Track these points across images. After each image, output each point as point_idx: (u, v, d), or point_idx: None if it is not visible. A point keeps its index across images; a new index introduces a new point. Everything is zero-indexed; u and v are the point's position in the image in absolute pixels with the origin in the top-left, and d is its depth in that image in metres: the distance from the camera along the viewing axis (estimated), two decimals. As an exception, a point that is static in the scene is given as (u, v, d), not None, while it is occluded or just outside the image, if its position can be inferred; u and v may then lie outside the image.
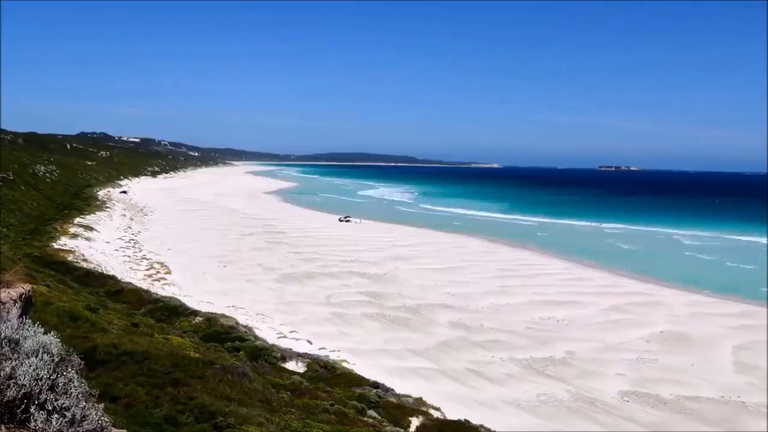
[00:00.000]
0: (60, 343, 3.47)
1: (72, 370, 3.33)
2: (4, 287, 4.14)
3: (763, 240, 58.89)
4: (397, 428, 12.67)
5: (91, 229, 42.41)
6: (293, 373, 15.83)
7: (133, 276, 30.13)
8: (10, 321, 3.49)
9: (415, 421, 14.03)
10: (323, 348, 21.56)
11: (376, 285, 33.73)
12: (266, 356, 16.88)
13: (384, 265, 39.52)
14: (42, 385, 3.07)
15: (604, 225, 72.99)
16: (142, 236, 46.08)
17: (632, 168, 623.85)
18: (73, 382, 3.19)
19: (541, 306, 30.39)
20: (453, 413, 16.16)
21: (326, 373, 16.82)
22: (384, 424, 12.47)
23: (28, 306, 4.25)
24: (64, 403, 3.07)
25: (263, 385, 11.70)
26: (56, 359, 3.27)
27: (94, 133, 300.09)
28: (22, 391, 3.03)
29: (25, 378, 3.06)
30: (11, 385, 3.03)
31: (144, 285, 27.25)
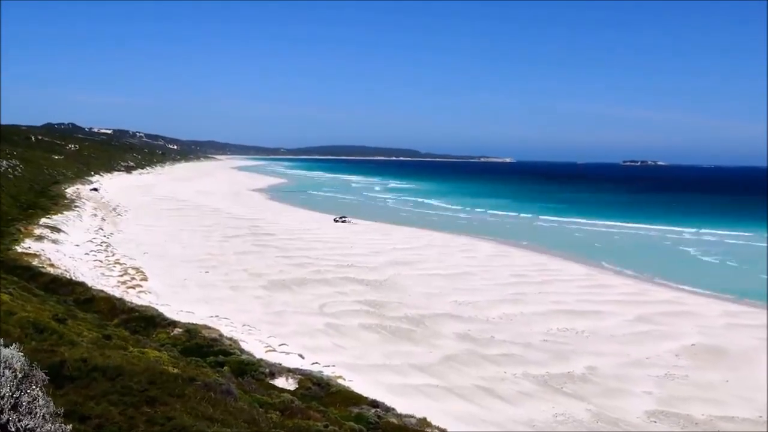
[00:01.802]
0: (24, 358, 3.46)
1: (37, 387, 3.32)
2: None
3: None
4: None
5: (58, 230, 42.40)
6: (283, 390, 15.83)
7: (105, 283, 30.13)
8: (-32, 333, 3.47)
9: (418, 444, 14.02)
10: (316, 363, 21.58)
11: (375, 293, 33.75)
12: (253, 372, 16.88)
13: (384, 271, 39.54)
14: (4, 404, 3.06)
15: (629, 226, 73.07)
16: (115, 238, 46.10)
17: (659, 163, 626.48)
18: (38, 401, 3.18)
19: (558, 316, 30.40)
20: (461, 435, 16.16)
21: (320, 391, 16.82)
22: (384, 447, 12.45)
23: (-12, 316, 4.24)
24: (28, 424, 3.06)
25: (249, 404, 11.70)
26: (20, 375, 3.26)
27: (62, 124, 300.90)
28: (-18, 410, 3.02)
29: (-16, 396, 3.04)
30: (-31, 404, 3.02)
31: (117, 293, 27.26)
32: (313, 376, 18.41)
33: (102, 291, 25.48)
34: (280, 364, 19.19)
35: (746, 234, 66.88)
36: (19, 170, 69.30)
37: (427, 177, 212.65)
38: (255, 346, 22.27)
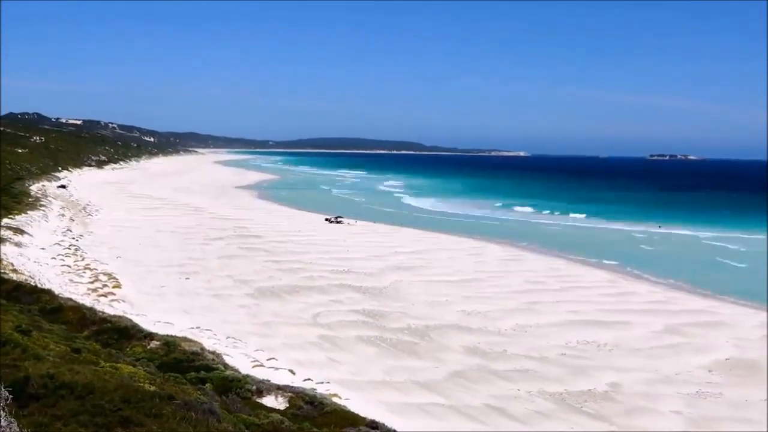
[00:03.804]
0: (-17, 374, 3.46)
1: (-2, 407, 3.32)
2: None
3: None
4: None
5: (22, 232, 42.43)
6: (272, 410, 15.83)
7: (74, 290, 30.15)
8: None
9: (422, 470, 14.04)
10: (309, 379, 21.59)
11: (375, 301, 33.78)
12: (238, 389, 16.88)
13: (384, 277, 39.58)
14: (-39, 426, 3.06)
15: (656, 227, 73.13)
16: (85, 241, 46.13)
17: (690, 157, 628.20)
18: (0, 421, 3.18)
19: (578, 327, 30.42)
20: (469, 460, 16.17)
21: (312, 411, 16.83)
22: (384, 473, 12.47)
23: (-57, 328, 4.25)
24: (-13, 448, 3.06)
25: (234, 425, 11.70)
26: (-22, 394, 3.26)
27: (26, 113, 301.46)
28: (-64, 433, 3.02)
29: (-61, 417, 3.04)
30: None
31: (87, 301, 27.28)
32: (305, 393, 18.41)
33: (70, 299, 25.49)
34: (269, 381, 19.20)
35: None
36: (-21, 165, 69.35)
37: (432, 173, 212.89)
38: (240, 360, 22.29)
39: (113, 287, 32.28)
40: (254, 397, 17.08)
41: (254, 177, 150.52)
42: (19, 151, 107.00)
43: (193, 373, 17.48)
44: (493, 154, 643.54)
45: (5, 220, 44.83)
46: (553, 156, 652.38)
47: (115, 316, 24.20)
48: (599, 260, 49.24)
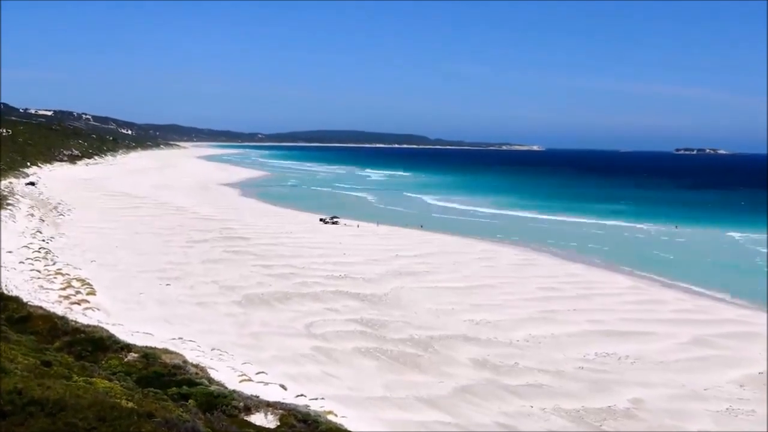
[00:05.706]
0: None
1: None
2: None
3: None
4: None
5: (-14, 233, 42.41)
6: (261, 428, 15.87)
7: (45, 297, 30.16)
8: None
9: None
10: (302, 395, 21.63)
11: (374, 310, 33.78)
12: (224, 406, 16.91)
13: (384, 283, 39.60)
14: None
15: (683, 229, 73.11)
16: (57, 243, 46.11)
17: (720, 151, 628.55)
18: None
19: (597, 338, 30.43)
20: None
21: (306, 429, 16.86)
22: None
23: None
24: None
25: (220, 445, 11.73)
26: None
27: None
28: None
29: None
30: None
31: (59, 309, 27.28)
32: (298, 411, 18.44)
33: (40, 307, 25.49)
34: (258, 397, 19.23)
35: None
36: (-60, 160, 69.41)
37: (436, 169, 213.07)
38: (227, 374, 22.32)
39: (87, 294, 32.27)
40: (242, 414, 17.10)
41: (241, 173, 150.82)
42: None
43: (174, 389, 17.49)
44: (504, 148, 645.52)
45: (-31, 221, 44.85)
46: (570, 150, 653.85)
47: (89, 325, 24.20)
48: (621, 265, 49.28)
